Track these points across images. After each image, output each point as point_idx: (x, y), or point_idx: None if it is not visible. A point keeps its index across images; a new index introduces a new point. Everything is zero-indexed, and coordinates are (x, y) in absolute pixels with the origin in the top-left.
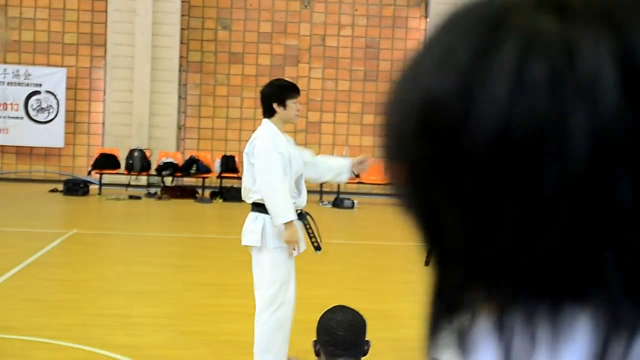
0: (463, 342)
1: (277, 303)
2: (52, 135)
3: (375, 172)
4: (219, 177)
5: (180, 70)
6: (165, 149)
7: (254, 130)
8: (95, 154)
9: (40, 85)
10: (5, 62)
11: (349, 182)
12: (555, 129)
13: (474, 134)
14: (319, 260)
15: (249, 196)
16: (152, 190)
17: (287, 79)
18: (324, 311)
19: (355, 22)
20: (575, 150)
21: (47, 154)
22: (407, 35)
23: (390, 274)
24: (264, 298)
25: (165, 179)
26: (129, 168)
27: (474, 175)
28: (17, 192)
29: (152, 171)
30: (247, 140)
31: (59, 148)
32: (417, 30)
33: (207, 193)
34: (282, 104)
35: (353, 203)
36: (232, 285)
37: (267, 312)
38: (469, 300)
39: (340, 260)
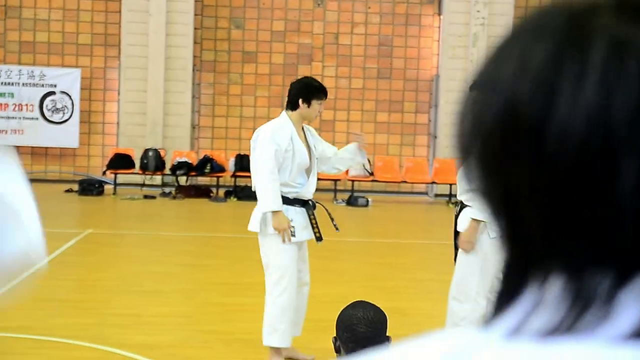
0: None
1: (281, 288)
2: (67, 136)
3: (389, 169)
4: (233, 176)
5: (194, 69)
6: (179, 149)
7: None
8: (109, 154)
9: (55, 85)
10: (20, 63)
11: (363, 180)
12: None
13: (559, 133)
14: (333, 258)
15: (253, 184)
16: (167, 189)
17: None
18: (341, 308)
19: (368, 20)
20: None
21: (62, 154)
22: (421, 32)
23: (405, 272)
24: (270, 282)
25: (179, 178)
26: (144, 168)
27: (557, 170)
28: (32, 193)
29: (167, 171)
30: None
31: (74, 148)
32: (431, 28)
33: (221, 192)
34: (308, 102)
35: (367, 201)
36: (247, 284)
37: (273, 295)
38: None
39: (355, 258)
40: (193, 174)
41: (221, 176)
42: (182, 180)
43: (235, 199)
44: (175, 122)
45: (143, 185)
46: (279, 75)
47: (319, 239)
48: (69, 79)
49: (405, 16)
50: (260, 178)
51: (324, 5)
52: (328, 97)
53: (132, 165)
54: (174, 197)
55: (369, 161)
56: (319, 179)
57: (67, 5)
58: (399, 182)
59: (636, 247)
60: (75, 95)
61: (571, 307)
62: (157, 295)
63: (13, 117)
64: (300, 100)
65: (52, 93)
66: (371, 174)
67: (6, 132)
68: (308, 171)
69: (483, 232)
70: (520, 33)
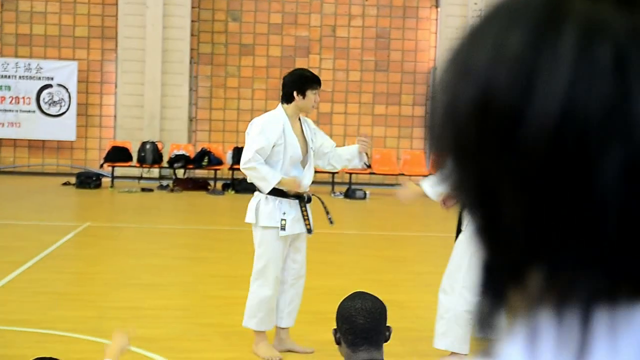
0: (524, 328)
1: (262, 280)
2: (64, 129)
3: (387, 162)
4: (231, 169)
5: (191, 62)
6: (176, 141)
7: None
8: (107, 146)
9: (52, 78)
10: (16, 56)
11: (360, 173)
12: (620, 113)
13: (535, 121)
14: (331, 250)
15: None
16: (164, 182)
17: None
18: (339, 300)
19: (365, 12)
20: None
21: (60, 147)
22: (418, 25)
23: (404, 265)
24: (254, 271)
25: (177, 171)
26: (141, 161)
27: (533, 160)
28: (30, 186)
29: (164, 163)
30: None
31: (71, 141)
32: (428, 20)
33: (219, 185)
34: (302, 93)
35: (365, 194)
36: (245, 277)
37: (254, 285)
38: (523, 282)
39: (353, 250)
40: (190, 166)
41: (219, 169)
42: (180, 173)
43: (232, 192)
44: (172, 115)
45: (140, 178)
46: (277, 67)
47: (309, 231)
48: (65, 72)
49: (402, 8)
50: (247, 168)
51: None
52: (325, 89)
53: (130, 158)
54: (172, 190)
55: (366, 155)
56: (316, 172)
57: None
58: (396, 175)
59: (621, 248)
60: (72, 88)
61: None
62: (155, 288)
63: (10, 110)
64: (294, 92)
65: (49, 86)
66: (369, 166)
67: (3, 125)
68: (303, 163)
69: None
70: (495, 16)
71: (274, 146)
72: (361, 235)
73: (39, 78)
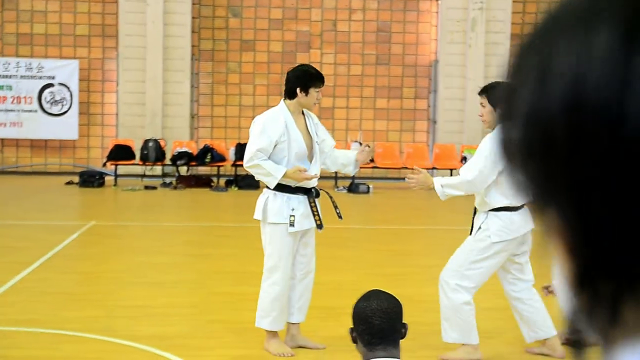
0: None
1: (274, 277)
2: (66, 128)
3: (389, 156)
4: (234, 165)
5: (192, 59)
6: (179, 139)
7: None
8: (109, 145)
9: (53, 77)
10: (17, 56)
11: (363, 167)
12: None
13: (636, 121)
14: (338, 245)
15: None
16: (168, 180)
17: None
18: (348, 295)
19: (366, 6)
20: None
21: (62, 146)
22: (419, 18)
23: (410, 258)
24: (265, 269)
25: (180, 168)
26: (144, 158)
27: (635, 159)
28: (33, 185)
29: (167, 161)
30: None
31: (73, 140)
32: (429, 13)
33: (222, 181)
34: (306, 90)
35: (368, 188)
36: (251, 273)
37: (266, 284)
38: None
39: (359, 245)
40: (193, 164)
41: (222, 165)
42: (183, 170)
43: (236, 188)
44: (174, 112)
45: (144, 176)
46: (278, 63)
47: (319, 226)
48: (67, 71)
49: (403, 2)
50: (252, 166)
51: None
52: (327, 84)
53: (132, 157)
54: (175, 188)
55: (368, 146)
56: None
57: None
58: (399, 168)
59: None
60: (74, 86)
61: None
62: (163, 286)
63: (12, 110)
64: (298, 89)
65: (50, 85)
66: (372, 160)
67: (5, 125)
68: (310, 158)
69: (481, 235)
70: (570, 14)
71: (277, 144)
72: (366, 230)
73: (40, 77)
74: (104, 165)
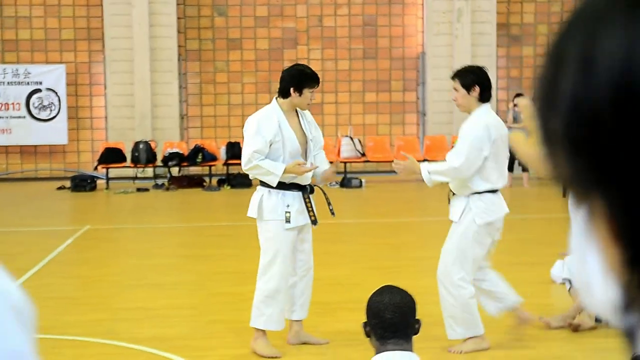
0: None
1: (269, 275)
2: (56, 133)
3: (380, 149)
4: (225, 164)
5: (179, 59)
6: (169, 139)
7: None
8: (99, 148)
9: (41, 83)
10: (4, 62)
11: (355, 162)
12: None
13: None
14: (333, 241)
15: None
16: (159, 181)
17: (289, 64)
18: (345, 290)
19: (351, 0)
20: None
21: (52, 151)
22: (405, 10)
23: (404, 251)
24: (260, 266)
25: (171, 169)
26: (135, 161)
27: None
28: (25, 192)
29: (158, 162)
30: None
31: (63, 145)
32: (414, 5)
33: (214, 181)
34: (299, 90)
35: (361, 182)
36: (250, 272)
37: (260, 281)
38: None
39: (353, 239)
40: (185, 164)
41: (213, 165)
42: (175, 171)
43: (228, 187)
44: (163, 113)
45: (135, 178)
46: (265, 60)
47: (314, 222)
48: (54, 76)
49: None
50: (251, 168)
51: None
52: None
53: (123, 159)
54: (167, 189)
55: (360, 142)
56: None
57: (48, 1)
58: (390, 162)
59: None
60: (62, 91)
61: None
62: (162, 287)
63: (0, 117)
64: (291, 89)
65: (38, 90)
66: (363, 154)
67: None
68: (304, 155)
69: (468, 218)
70: (612, 3)
71: (272, 143)
72: (360, 224)
73: (28, 83)
74: (95, 169)
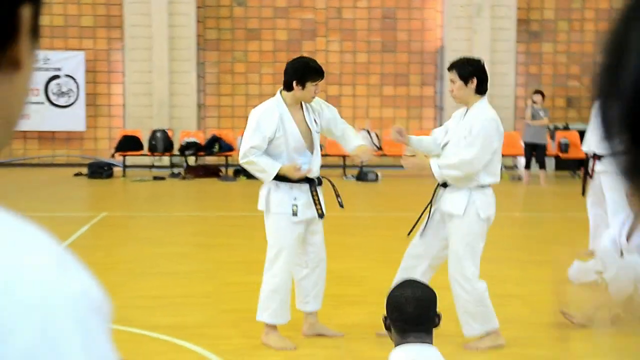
0: None
1: (275, 269)
2: (74, 119)
3: (397, 143)
4: None
5: (197, 48)
6: (186, 128)
7: None
8: (117, 136)
9: (60, 69)
10: None
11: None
12: None
13: None
14: (346, 233)
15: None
16: (176, 170)
17: (307, 55)
18: (359, 282)
19: None
20: None
21: (69, 137)
22: (424, 4)
23: None
24: (266, 260)
25: (188, 158)
26: (152, 149)
27: None
28: (41, 177)
29: (175, 151)
30: None
31: (81, 132)
32: None
33: (230, 171)
34: (302, 84)
35: (377, 176)
36: (263, 262)
37: (267, 275)
38: None
39: (368, 232)
40: (201, 154)
41: (230, 155)
42: (191, 160)
43: (244, 178)
44: (181, 102)
45: (152, 166)
46: (283, 51)
47: (320, 215)
48: (73, 62)
49: None
50: (246, 163)
51: None
52: (333, 72)
53: (140, 147)
54: (184, 178)
55: (377, 136)
56: (327, 155)
57: None
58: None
59: None
60: (80, 78)
61: None
62: (176, 276)
63: None
64: (294, 83)
65: (56, 77)
66: (379, 148)
67: None
68: (310, 149)
69: (472, 212)
70: None
71: (274, 139)
72: (375, 217)
73: (47, 69)
74: (112, 156)
